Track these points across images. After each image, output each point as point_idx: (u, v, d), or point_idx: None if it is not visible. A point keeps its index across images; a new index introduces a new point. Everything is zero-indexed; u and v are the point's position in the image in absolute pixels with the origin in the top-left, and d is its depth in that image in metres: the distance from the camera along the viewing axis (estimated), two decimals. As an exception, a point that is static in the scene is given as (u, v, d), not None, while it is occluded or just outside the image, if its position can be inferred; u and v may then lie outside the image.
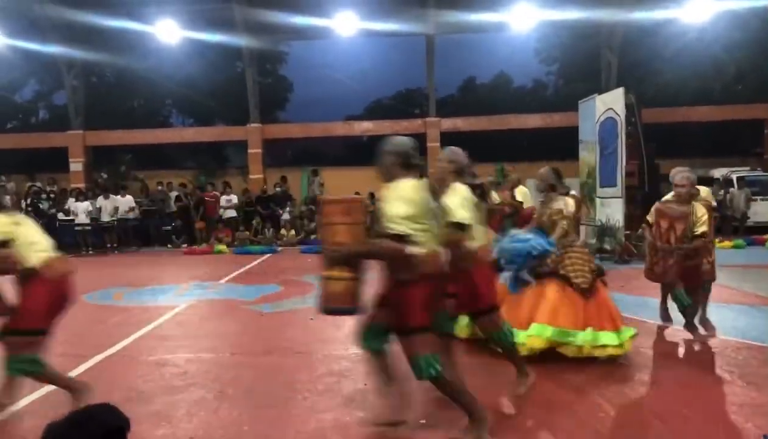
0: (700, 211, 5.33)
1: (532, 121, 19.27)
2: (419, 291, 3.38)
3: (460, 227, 3.89)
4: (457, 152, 4.39)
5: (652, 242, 5.57)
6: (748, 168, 16.46)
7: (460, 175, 4.23)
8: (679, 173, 5.46)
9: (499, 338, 4.22)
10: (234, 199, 17.39)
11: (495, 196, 11.48)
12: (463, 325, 5.24)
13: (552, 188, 5.20)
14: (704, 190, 5.97)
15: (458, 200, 3.98)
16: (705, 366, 5.09)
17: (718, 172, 15.95)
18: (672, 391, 4.44)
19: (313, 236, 16.07)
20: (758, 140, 18.89)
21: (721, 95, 19.34)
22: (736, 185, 14.91)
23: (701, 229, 5.27)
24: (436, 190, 3.84)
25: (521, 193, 9.19)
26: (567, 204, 5.15)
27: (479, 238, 4.15)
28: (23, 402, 4.50)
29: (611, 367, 4.87)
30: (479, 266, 4.10)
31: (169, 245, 16.19)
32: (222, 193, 17.54)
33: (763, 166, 17.49)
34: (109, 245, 15.54)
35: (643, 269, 5.99)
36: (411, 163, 3.57)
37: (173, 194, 18.21)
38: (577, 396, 4.32)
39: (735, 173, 15.52)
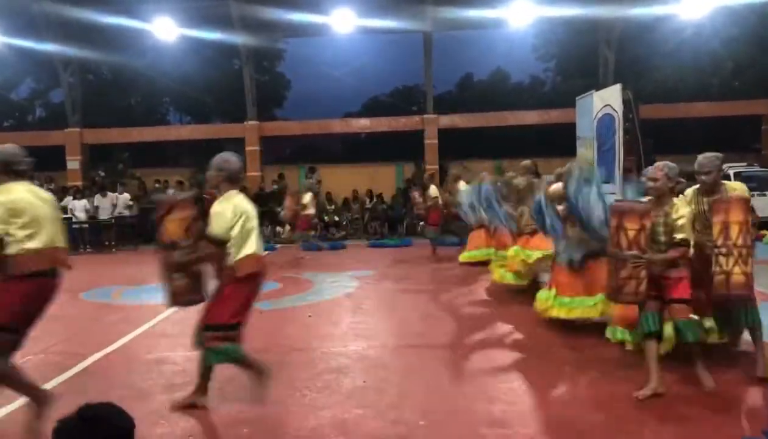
0: (678, 212, 4.26)
1: (530, 117, 19.26)
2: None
3: (216, 240, 3.97)
4: (227, 159, 4.29)
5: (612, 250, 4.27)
6: (745, 164, 16.48)
7: (233, 182, 4.22)
8: (654, 167, 4.47)
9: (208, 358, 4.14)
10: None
11: (433, 191, 11.93)
12: None
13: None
14: (739, 186, 4.91)
15: (230, 210, 4.02)
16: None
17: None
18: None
19: (312, 233, 16.05)
20: (756, 136, 18.90)
21: (719, 91, 19.36)
22: (733, 181, 14.89)
23: (680, 235, 4.21)
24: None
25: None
26: None
27: (249, 247, 4.08)
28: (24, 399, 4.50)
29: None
30: (231, 281, 4.05)
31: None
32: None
33: (761, 161, 17.50)
34: (107, 243, 15.50)
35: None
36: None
37: (171, 192, 18.19)
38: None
39: (732, 169, 15.53)
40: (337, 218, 16.84)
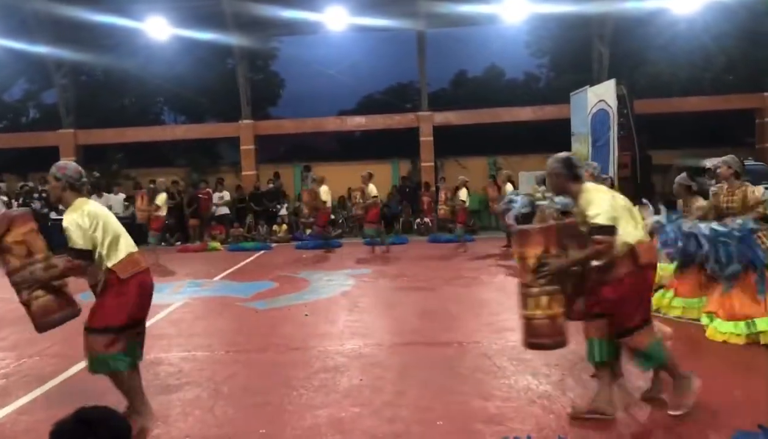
0: (589, 208, 3.64)
1: (524, 113, 19.27)
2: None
3: (82, 252, 3.77)
4: (62, 166, 4.01)
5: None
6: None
7: (75, 189, 3.91)
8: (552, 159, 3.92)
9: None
10: (226, 195, 17.35)
11: (372, 189, 11.89)
12: None
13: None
14: (758, 190, 5.49)
15: (83, 218, 3.76)
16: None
17: (709, 162, 16.01)
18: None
19: (308, 232, 16.05)
20: (750, 130, 18.95)
21: (712, 85, 19.37)
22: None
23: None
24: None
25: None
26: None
27: (123, 249, 3.88)
28: (22, 401, 4.49)
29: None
30: (114, 285, 3.86)
31: (162, 243, 16.12)
32: (214, 190, 17.49)
33: (755, 155, 17.56)
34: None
35: None
36: None
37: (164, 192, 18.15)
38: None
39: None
40: (333, 216, 16.82)
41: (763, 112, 18.18)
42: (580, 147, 14.52)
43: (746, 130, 19.21)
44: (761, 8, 17.23)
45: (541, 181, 10.47)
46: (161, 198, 11.97)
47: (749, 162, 15.57)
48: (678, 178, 6.85)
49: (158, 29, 17.68)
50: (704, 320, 5.74)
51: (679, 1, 17.08)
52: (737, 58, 19.46)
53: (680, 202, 6.67)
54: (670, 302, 6.34)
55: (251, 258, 12.61)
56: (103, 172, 18.94)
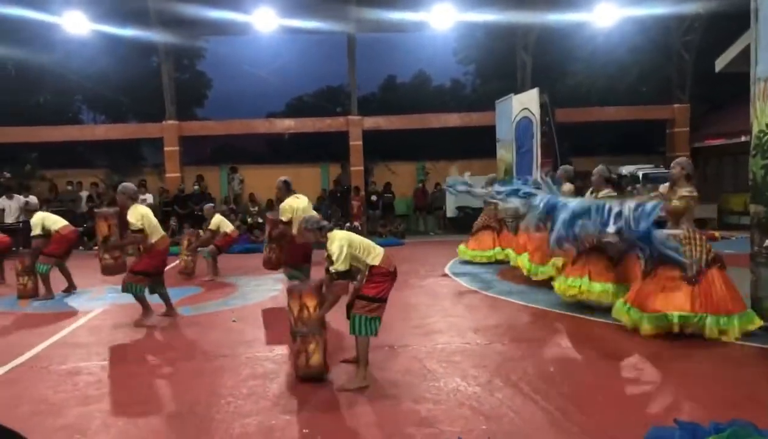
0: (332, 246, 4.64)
1: (452, 120, 19.60)
2: None
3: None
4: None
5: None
6: (652, 165, 17.41)
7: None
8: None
9: None
10: (150, 198, 16.78)
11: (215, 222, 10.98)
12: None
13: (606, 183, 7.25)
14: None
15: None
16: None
17: (625, 169, 16.79)
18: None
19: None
20: (662, 139, 20.01)
21: (627, 96, 20.33)
22: (641, 181, 15.76)
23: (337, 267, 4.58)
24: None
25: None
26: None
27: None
28: None
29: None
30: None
31: (80, 247, 15.41)
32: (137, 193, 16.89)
33: (666, 163, 18.55)
34: (14, 249, 14.60)
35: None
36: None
37: (84, 194, 17.40)
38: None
39: (641, 170, 16.37)
40: (260, 220, 16.56)
41: (672, 122, 19.24)
42: (505, 153, 14.93)
43: (658, 139, 20.28)
44: (672, 24, 18.25)
45: (490, 183, 10.78)
46: (215, 221, 10.81)
47: (660, 170, 16.46)
48: (597, 169, 7.30)
49: (79, 24, 16.92)
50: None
51: (599, 14, 17.84)
52: (650, 70, 20.54)
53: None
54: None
55: (175, 262, 12.22)
56: (15, 172, 17.93)
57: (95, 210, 7.29)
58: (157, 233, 6.95)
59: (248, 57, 22.36)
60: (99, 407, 4.31)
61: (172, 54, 18.77)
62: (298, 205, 7.17)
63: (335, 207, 18.00)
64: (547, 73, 19.57)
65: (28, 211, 9.95)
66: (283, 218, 7.15)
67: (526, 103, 13.55)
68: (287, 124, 20.23)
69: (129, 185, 7.05)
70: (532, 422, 3.83)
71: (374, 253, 4.68)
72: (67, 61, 19.98)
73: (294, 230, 6.91)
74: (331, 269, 4.59)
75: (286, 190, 7.41)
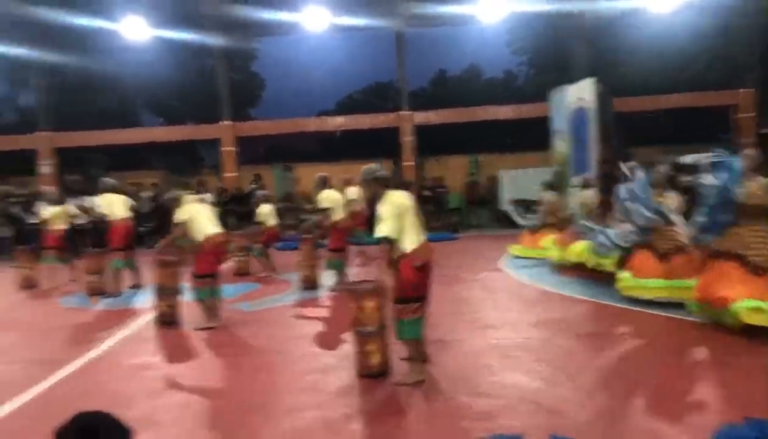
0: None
1: (504, 112, 19.36)
2: None
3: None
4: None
5: None
6: (718, 153, 16.77)
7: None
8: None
9: None
10: (208, 197, 17.21)
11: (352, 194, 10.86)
12: None
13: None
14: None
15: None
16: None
17: (689, 158, 16.22)
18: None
19: (291, 233, 15.99)
20: (725, 126, 19.25)
21: (689, 83, 19.65)
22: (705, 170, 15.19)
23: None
24: None
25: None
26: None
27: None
28: (10, 406, 4.44)
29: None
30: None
31: (143, 246, 15.97)
32: (196, 193, 17.36)
33: (734, 151, 17.84)
34: (83, 249, 15.25)
35: None
36: None
37: (145, 194, 17.98)
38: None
39: (706, 158, 15.81)
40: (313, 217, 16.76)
41: (737, 108, 18.48)
42: (561, 145, 14.65)
43: (722, 126, 19.52)
44: (737, 6, 17.51)
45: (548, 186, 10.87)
46: (263, 212, 10.95)
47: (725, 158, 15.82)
48: (661, 169, 7.08)
49: (136, 30, 17.50)
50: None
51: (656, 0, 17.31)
52: (713, 55, 19.79)
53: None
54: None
55: (230, 264, 12.52)
56: (82, 175, 18.71)
57: (156, 258, 6.97)
58: (204, 231, 6.60)
59: (299, 57, 22.69)
60: (166, 401, 4.48)
61: (227, 56, 19.18)
62: (335, 196, 8.40)
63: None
64: (604, 62, 19.10)
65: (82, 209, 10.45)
66: (322, 207, 8.29)
67: (581, 93, 13.26)
68: (338, 122, 20.40)
69: (176, 192, 7.11)
70: (595, 418, 3.77)
71: (414, 240, 4.40)
72: (128, 67, 20.69)
73: (334, 218, 8.33)
74: (375, 234, 4.35)
75: (323, 185, 8.49)
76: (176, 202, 6.77)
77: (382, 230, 4.30)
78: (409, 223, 4.41)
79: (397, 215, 4.34)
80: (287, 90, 25.28)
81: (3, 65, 20.34)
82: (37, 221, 13.47)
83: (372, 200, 4.60)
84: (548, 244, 10.52)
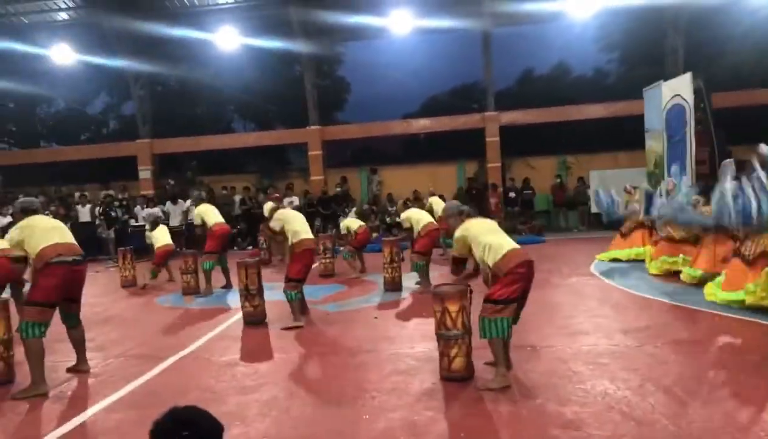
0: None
1: (594, 110, 18.73)
2: None
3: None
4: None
5: None
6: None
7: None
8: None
9: None
10: (295, 200, 17.65)
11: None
12: None
13: None
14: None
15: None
16: None
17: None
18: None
19: (375, 235, 16.14)
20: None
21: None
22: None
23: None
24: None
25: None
26: None
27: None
28: (110, 399, 4.72)
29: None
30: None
31: (235, 248, 16.59)
32: (284, 196, 17.84)
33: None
34: (178, 249, 16.02)
35: None
36: None
37: (238, 198, 18.67)
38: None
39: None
40: (398, 219, 16.84)
41: None
42: (655, 144, 14.02)
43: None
44: None
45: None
46: (343, 225, 11.65)
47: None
48: (761, 148, 6.73)
49: (228, 39, 18.20)
50: None
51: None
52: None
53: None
54: None
55: (316, 265, 12.78)
56: (178, 180, 19.67)
57: (238, 261, 7.34)
58: (298, 235, 7.00)
59: (384, 60, 22.80)
60: (255, 397, 4.62)
61: (314, 61, 19.62)
62: (417, 216, 9.49)
63: (472, 205, 17.85)
64: (702, 55, 18.11)
65: (153, 222, 11.21)
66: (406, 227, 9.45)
67: (677, 89, 12.63)
68: (423, 124, 20.40)
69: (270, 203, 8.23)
70: (687, 430, 3.57)
71: (496, 252, 4.58)
72: (221, 75, 21.56)
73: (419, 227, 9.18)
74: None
75: (405, 207, 10.29)
76: (270, 211, 7.61)
77: (453, 252, 5.05)
78: (486, 241, 4.69)
79: (464, 239, 4.84)
80: (372, 93, 25.51)
81: (107, 77, 21.72)
82: (138, 223, 14.27)
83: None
84: (639, 248, 10.34)
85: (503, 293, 4.47)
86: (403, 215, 9.60)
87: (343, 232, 11.37)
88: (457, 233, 4.90)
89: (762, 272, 6.21)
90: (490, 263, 4.59)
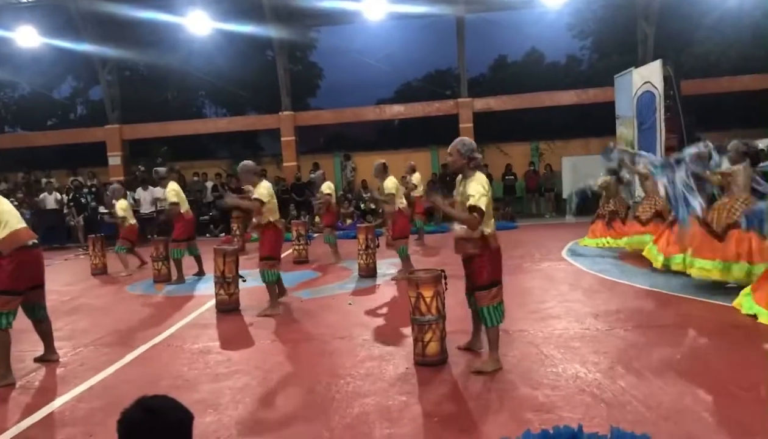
0: (470, 188, 4.46)
1: (567, 97, 18.89)
2: None
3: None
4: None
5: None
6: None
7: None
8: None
9: None
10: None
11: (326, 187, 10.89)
12: None
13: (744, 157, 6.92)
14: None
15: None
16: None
17: (762, 143, 15.45)
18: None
19: (348, 221, 16.12)
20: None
21: (764, 64, 18.63)
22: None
23: (470, 202, 4.39)
24: None
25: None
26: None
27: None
28: (80, 388, 4.64)
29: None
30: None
31: (207, 235, 16.42)
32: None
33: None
34: (149, 237, 15.79)
35: None
36: None
37: (209, 184, 18.46)
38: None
39: (777, 144, 15.01)
40: (373, 206, 16.84)
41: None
42: (625, 130, 14.21)
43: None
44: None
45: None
46: (328, 186, 11.15)
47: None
48: (733, 144, 6.84)
49: (199, 24, 17.88)
50: None
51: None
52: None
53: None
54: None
55: (288, 252, 12.72)
56: (148, 165, 19.35)
57: (215, 247, 7.27)
58: (275, 214, 6.89)
59: (357, 45, 22.59)
60: (228, 384, 4.59)
61: (286, 47, 19.40)
62: (397, 183, 8.82)
63: (446, 191, 17.92)
64: (671, 44, 18.35)
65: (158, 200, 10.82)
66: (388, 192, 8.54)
67: (647, 76, 12.79)
68: (397, 110, 20.35)
69: (249, 163, 7.23)
70: (657, 411, 3.64)
71: (489, 222, 4.55)
72: (191, 59, 21.22)
73: (396, 205, 8.61)
74: (469, 201, 4.37)
75: (385, 172, 8.72)
76: (255, 175, 7.17)
77: (477, 203, 4.35)
78: (491, 207, 4.55)
79: (487, 196, 4.45)
80: (345, 79, 25.34)
81: (73, 61, 21.21)
82: (108, 211, 14.03)
83: (432, 186, 4.83)
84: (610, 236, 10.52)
85: (492, 276, 4.55)
86: (389, 183, 8.68)
87: (328, 192, 11.00)
88: (479, 188, 4.42)
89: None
90: (488, 231, 4.51)
